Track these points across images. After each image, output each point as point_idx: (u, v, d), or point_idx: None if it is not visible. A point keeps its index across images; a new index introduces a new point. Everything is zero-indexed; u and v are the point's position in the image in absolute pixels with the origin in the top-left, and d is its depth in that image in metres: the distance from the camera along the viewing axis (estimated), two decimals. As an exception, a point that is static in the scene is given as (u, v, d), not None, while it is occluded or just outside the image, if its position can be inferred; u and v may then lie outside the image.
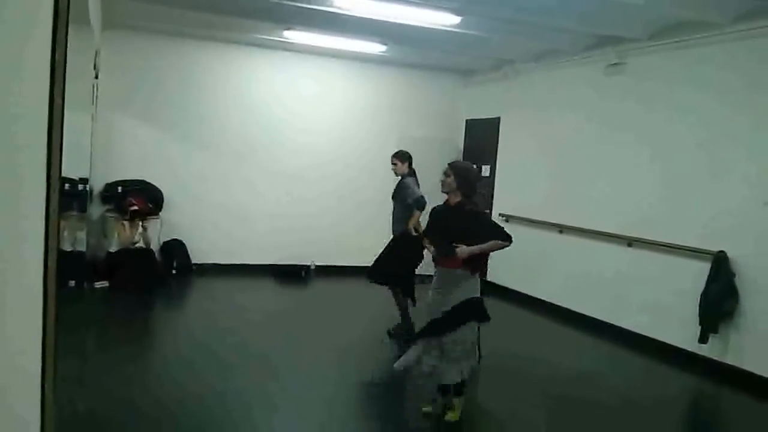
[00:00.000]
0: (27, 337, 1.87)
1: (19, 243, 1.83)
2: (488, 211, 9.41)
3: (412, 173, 6.44)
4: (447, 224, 4.39)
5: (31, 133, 1.82)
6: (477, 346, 4.42)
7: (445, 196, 4.49)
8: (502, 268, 9.07)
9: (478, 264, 4.37)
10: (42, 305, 1.87)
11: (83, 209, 4.76)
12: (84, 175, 4.71)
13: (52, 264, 1.89)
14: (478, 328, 4.42)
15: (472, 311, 4.30)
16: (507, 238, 4.35)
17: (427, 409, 4.50)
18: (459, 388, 4.41)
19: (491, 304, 4.54)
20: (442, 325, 4.29)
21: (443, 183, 4.40)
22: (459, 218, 4.34)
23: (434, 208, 4.65)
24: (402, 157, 6.45)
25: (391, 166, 6.50)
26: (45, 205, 1.85)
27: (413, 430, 4.45)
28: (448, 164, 4.43)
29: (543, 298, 8.13)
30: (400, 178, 6.50)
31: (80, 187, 4.15)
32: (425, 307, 4.54)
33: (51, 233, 1.88)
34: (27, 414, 1.89)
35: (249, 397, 4.65)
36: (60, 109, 1.90)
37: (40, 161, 1.83)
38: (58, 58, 1.86)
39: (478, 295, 4.36)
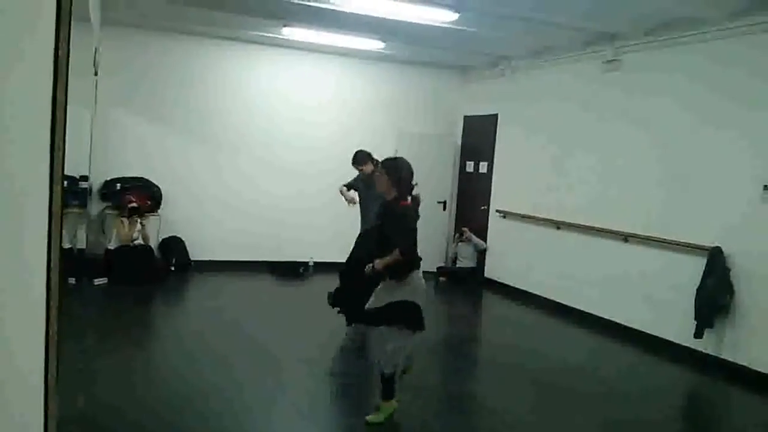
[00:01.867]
0: (30, 339, 1.88)
1: (21, 243, 1.83)
2: (484, 207, 9.46)
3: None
4: (380, 223, 4.41)
5: (34, 131, 1.83)
6: (404, 356, 4.28)
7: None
8: (499, 264, 9.13)
9: (400, 272, 4.18)
10: (45, 305, 1.88)
11: (83, 207, 4.78)
12: (84, 172, 4.73)
13: (55, 263, 1.90)
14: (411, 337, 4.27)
15: (400, 314, 4.17)
16: (404, 251, 4.11)
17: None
18: (385, 390, 4.28)
19: (489, 299, 4.56)
20: (367, 318, 4.26)
21: (378, 183, 4.33)
22: (387, 217, 4.30)
23: (381, 203, 4.57)
24: (361, 159, 6.43)
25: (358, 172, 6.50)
26: (48, 204, 1.86)
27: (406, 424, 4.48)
28: (380, 162, 4.38)
29: (540, 294, 8.17)
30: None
31: (82, 185, 4.16)
32: (371, 298, 4.37)
33: (54, 233, 1.89)
34: (29, 413, 1.90)
35: (247, 393, 4.68)
36: (63, 106, 1.92)
37: (43, 159, 1.85)
38: (61, 55, 1.87)
39: (417, 301, 4.20)
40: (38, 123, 1.84)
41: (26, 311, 1.86)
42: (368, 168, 6.40)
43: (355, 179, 6.72)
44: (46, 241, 1.87)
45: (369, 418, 4.25)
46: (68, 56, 1.95)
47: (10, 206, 1.81)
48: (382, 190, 4.28)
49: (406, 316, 4.19)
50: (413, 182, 4.28)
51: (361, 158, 6.49)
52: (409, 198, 4.26)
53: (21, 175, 1.82)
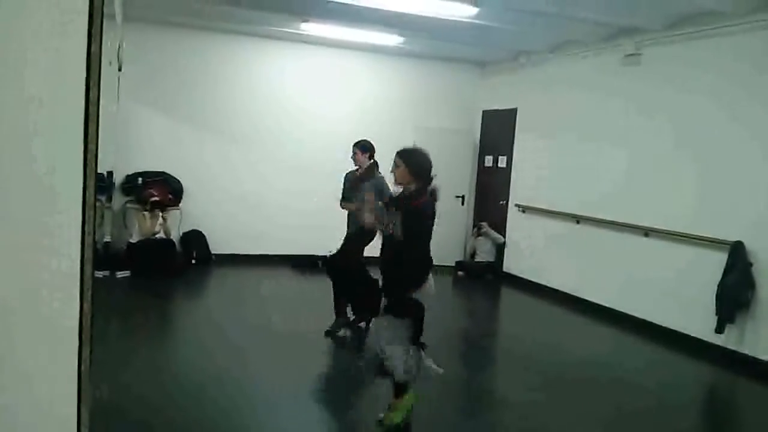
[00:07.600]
0: (64, 330, 1.92)
1: (56, 237, 1.87)
2: (503, 202, 9.44)
3: (375, 166, 6.13)
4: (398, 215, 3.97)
5: (68, 126, 1.86)
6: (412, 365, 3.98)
7: None
8: (519, 259, 9.12)
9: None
10: (79, 297, 1.92)
11: (109, 201, 4.85)
12: (110, 167, 4.80)
13: (88, 256, 1.94)
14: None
15: (405, 309, 3.93)
16: (410, 264, 3.91)
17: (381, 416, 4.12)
18: (397, 388, 4.06)
19: (507, 294, 4.54)
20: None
21: (395, 175, 3.98)
22: (404, 212, 3.92)
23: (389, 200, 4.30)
24: (363, 147, 6.15)
25: (350, 155, 6.26)
26: (82, 199, 1.90)
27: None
28: (397, 153, 3.99)
29: (559, 288, 8.16)
30: (357, 169, 6.26)
31: (111, 179, 4.21)
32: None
33: (88, 227, 1.93)
34: (63, 401, 1.95)
35: (264, 385, 4.75)
36: (96, 101, 1.95)
37: (77, 155, 1.88)
38: (93, 50, 1.91)
39: (423, 301, 3.96)
40: (72, 119, 1.87)
41: (62, 303, 1.90)
42: (361, 158, 6.14)
43: (344, 183, 6.46)
44: (80, 234, 1.91)
45: (385, 419, 4.00)
46: (100, 51, 1.98)
47: (45, 201, 1.86)
48: (402, 182, 3.96)
49: (410, 311, 3.93)
50: (433, 173, 3.95)
51: (362, 145, 6.16)
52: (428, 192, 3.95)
53: (56, 171, 1.86)
